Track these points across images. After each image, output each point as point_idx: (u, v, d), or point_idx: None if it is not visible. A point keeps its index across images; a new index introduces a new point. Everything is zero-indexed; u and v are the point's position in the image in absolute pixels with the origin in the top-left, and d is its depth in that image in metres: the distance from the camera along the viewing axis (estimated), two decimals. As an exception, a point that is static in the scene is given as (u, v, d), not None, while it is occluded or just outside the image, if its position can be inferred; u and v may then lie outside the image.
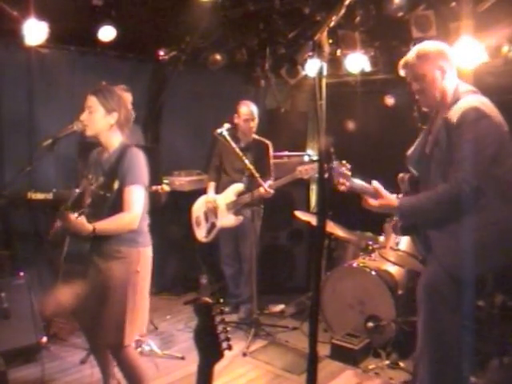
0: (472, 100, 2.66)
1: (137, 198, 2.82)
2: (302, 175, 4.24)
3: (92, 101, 2.87)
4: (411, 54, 2.79)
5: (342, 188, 2.91)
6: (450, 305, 2.68)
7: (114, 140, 2.93)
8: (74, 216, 2.59)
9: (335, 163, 2.91)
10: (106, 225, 2.76)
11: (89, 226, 2.66)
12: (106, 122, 2.88)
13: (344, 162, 2.94)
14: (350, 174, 2.92)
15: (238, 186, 4.66)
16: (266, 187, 4.27)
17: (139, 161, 2.88)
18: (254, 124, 4.77)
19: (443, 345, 2.72)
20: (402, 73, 2.85)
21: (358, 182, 2.94)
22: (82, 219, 2.63)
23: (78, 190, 3.01)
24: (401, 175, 3.00)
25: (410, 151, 2.98)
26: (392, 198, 2.83)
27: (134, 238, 2.87)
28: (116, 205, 2.79)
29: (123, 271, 2.83)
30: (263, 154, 4.77)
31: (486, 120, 2.61)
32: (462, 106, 2.63)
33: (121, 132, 2.96)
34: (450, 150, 2.61)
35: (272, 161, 4.84)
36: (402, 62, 2.83)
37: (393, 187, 2.99)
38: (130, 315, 2.85)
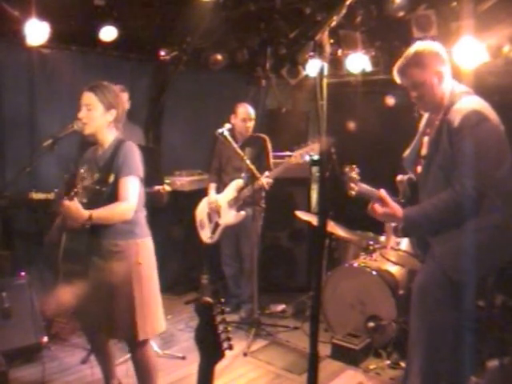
0: (471, 102, 2.65)
1: (132, 189, 2.83)
2: (297, 160, 4.24)
3: (90, 98, 2.87)
4: (407, 61, 2.74)
5: (352, 193, 2.91)
6: (444, 306, 2.67)
7: (110, 136, 2.95)
8: (66, 201, 2.59)
9: (347, 168, 2.91)
10: (102, 212, 2.75)
11: (85, 212, 2.66)
12: (104, 119, 2.90)
13: (354, 166, 2.93)
14: (358, 178, 2.92)
15: (238, 182, 4.68)
16: (264, 179, 4.28)
17: (134, 154, 2.89)
18: (251, 125, 4.79)
19: (434, 345, 2.72)
20: (397, 80, 2.83)
21: (365, 187, 2.94)
22: (76, 203, 2.62)
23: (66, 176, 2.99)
24: (399, 177, 2.99)
25: (406, 153, 2.97)
26: (397, 209, 2.78)
27: (130, 230, 2.88)
28: (112, 198, 2.80)
29: (124, 266, 2.84)
30: (261, 148, 4.79)
31: (487, 123, 2.61)
32: (461, 108, 2.62)
33: (116, 128, 2.97)
34: (453, 154, 2.60)
35: (271, 154, 4.84)
36: (397, 69, 2.78)
37: (394, 187, 3.00)
38: (140, 309, 2.85)
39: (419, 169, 2.84)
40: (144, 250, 2.94)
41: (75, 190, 2.61)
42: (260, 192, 4.53)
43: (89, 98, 2.88)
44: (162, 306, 3.18)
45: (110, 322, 2.88)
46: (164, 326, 3.10)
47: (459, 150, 2.58)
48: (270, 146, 4.85)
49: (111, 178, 2.82)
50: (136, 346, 2.95)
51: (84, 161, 3.07)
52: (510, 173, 2.65)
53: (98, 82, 2.95)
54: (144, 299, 2.89)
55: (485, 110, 2.63)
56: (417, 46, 2.77)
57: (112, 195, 2.81)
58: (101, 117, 2.88)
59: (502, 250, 2.67)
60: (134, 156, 2.89)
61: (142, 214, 3.00)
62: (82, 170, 2.89)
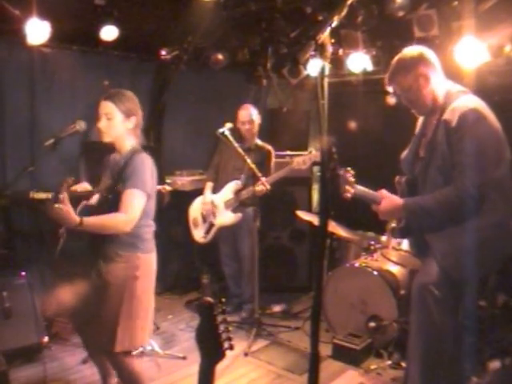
0: (467, 101, 2.66)
1: (134, 202, 2.75)
2: (300, 166, 4.22)
3: (109, 107, 2.83)
4: (392, 69, 2.80)
5: (347, 195, 2.91)
6: (444, 306, 2.68)
7: (127, 144, 2.92)
8: (56, 205, 2.54)
9: (341, 171, 2.91)
10: (96, 221, 2.70)
11: (75, 218, 2.59)
12: (124, 127, 2.87)
13: (349, 168, 2.94)
14: (354, 180, 2.92)
15: (236, 184, 4.67)
16: (265, 183, 4.24)
17: (144, 167, 2.83)
18: (252, 127, 4.78)
19: (435, 345, 2.72)
20: (389, 89, 2.87)
21: (362, 189, 2.94)
22: (67, 207, 2.56)
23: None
24: (397, 178, 3.00)
25: (403, 154, 2.98)
26: (396, 199, 2.82)
27: (133, 243, 2.83)
28: (114, 206, 2.75)
29: (121, 275, 2.80)
30: (264, 158, 4.76)
31: (484, 121, 2.61)
32: (458, 107, 2.62)
33: (134, 135, 2.94)
34: (452, 154, 2.60)
35: (272, 165, 4.81)
36: (386, 79, 2.84)
37: (394, 187, 3.00)
38: (125, 321, 2.79)
39: (417, 170, 2.86)
40: (144, 265, 2.88)
41: (61, 195, 2.56)
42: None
43: (107, 106, 2.83)
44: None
45: (92, 327, 2.86)
46: (145, 342, 3.05)
47: (458, 151, 2.58)
48: (273, 158, 4.84)
49: (119, 187, 2.79)
50: (114, 357, 2.90)
51: (107, 165, 3.04)
52: (510, 171, 2.65)
53: (115, 90, 2.92)
54: (131, 313, 2.82)
55: (482, 109, 2.64)
56: (400, 53, 2.82)
57: (115, 203, 2.76)
58: (120, 125, 2.85)
59: (502, 248, 2.67)
60: (144, 170, 2.82)
61: (149, 229, 2.93)
62: (69, 179, 2.78)
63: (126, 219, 2.73)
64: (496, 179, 2.60)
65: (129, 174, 2.78)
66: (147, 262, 2.92)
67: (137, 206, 2.76)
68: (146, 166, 2.85)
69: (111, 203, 2.77)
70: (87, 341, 3.14)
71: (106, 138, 2.88)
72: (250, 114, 4.77)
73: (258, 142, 4.86)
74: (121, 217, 2.73)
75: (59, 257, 2.89)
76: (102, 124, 2.85)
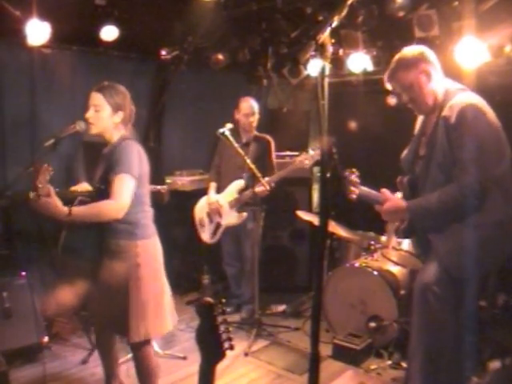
0: (466, 97, 2.66)
1: (124, 187, 2.74)
2: (302, 164, 4.23)
3: (98, 99, 2.85)
4: (392, 67, 2.80)
5: (353, 196, 2.92)
6: (445, 305, 2.68)
7: (115, 136, 2.93)
8: (42, 197, 2.54)
9: (347, 172, 2.92)
10: (86, 210, 2.72)
11: (63, 209, 2.61)
12: (111, 120, 2.87)
13: (354, 170, 2.94)
14: (359, 181, 2.93)
15: (239, 183, 4.67)
16: (265, 184, 4.22)
17: (130, 152, 2.82)
18: (254, 119, 4.79)
19: (436, 344, 2.72)
20: (388, 87, 2.87)
21: (366, 190, 2.95)
22: (51, 199, 2.57)
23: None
24: (399, 178, 3.00)
25: (403, 154, 2.98)
26: (400, 201, 2.82)
27: (129, 231, 2.84)
28: (109, 196, 2.76)
29: (123, 266, 2.82)
30: (265, 150, 4.79)
31: (484, 117, 2.62)
32: (456, 103, 2.62)
33: (125, 128, 2.95)
34: (452, 151, 2.60)
35: (274, 156, 4.85)
36: (386, 77, 2.84)
37: (395, 187, 3.00)
38: (135, 310, 2.81)
39: (418, 169, 2.86)
40: (144, 252, 2.89)
41: (39, 185, 2.56)
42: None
43: (97, 98, 2.85)
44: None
45: (104, 320, 2.90)
46: (165, 329, 3.00)
47: (458, 147, 2.58)
48: (273, 148, 4.85)
49: (109, 176, 2.79)
50: (134, 347, 2.94)
51: (101, 158, 3.04)
52: (510, 169, 2.65)
53: (107, 82, 2.93)
54: (140, 301, 2.84)
55: (481, 105, 2.64)
56: (401, 52, 2.83)
57: (108, 193, 2.76)
58: (108, 118, 2.86)
59: (502, 248, 2.67)
60: (130, 154, 2.81)
61: (145, 215, 2.94)
62: (45, 164, 2.76)
63: (116, 206, 2.73)
64: (497, 176, 2.60)
65: (116, 161, 2.78)
66: (148, 247, 2.93)
67: (126, 191, 2.75)
68: (133, 150, 2.84)
69: (105, 193, 2.76)
70: (99, 332, 3.17)
71: (93, 130, 2.89)
72: (253, 107, 4.79)
73: (256, 133, 4.88)
74: (111, 204, 2.73)
75: (62, 253, 2.90)
76: (90, 115, 2.86)
